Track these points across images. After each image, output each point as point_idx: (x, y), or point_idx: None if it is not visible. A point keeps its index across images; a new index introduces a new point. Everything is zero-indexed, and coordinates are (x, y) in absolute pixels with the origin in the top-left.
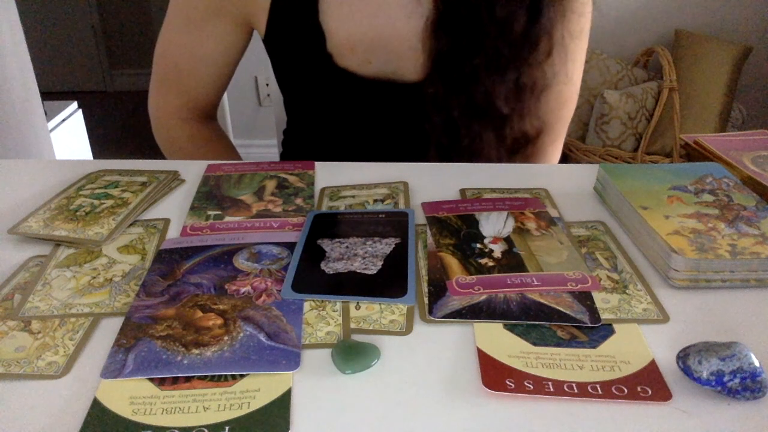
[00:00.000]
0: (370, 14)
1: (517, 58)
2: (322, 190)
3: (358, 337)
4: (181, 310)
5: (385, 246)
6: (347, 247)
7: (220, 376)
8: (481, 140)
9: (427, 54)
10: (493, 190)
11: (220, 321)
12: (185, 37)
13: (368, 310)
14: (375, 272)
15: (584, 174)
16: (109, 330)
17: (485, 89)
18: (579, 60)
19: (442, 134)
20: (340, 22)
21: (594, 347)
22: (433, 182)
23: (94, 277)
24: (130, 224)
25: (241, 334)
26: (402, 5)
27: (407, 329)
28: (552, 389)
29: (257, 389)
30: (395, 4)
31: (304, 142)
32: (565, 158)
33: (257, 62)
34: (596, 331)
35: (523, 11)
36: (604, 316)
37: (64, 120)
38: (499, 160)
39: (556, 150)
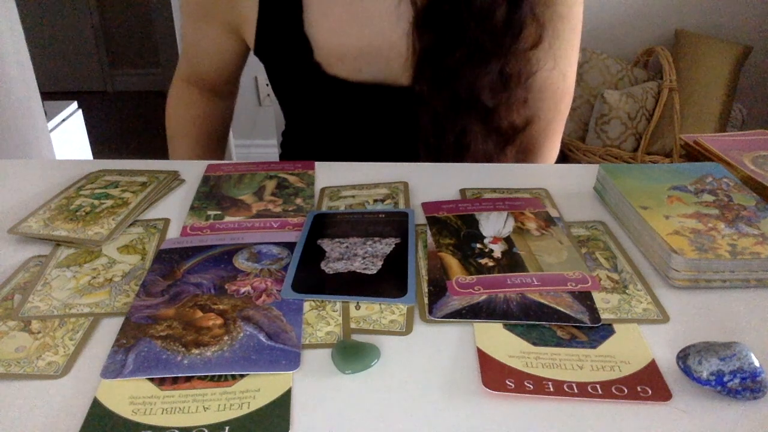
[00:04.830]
0: (355, 25)
1: (499, 47)
2: (322, 190)
3: (358, 337)
4: (181, 310)
5: (385, 246)
6: (347, 247)
7: (220, 376)
8: (468, 134)
9: (413, 54)
10: (493, 190)
11: (220, 321)
12: (187, 29)
13: (368, 310)
14: (375, 272)
15: (584, 174)
16: (109, 330)
17: (468, 82)
18: (571, 43)
19: (429, 131)
20: (327, 33)
21: (594, 347)
22: (433, 182)
23: (94, 277)
24: (130, 224)
25: (241, 334)
26: (386, 13)
27: (407, 329)
28: (552, 389)
29: (257, 389)
30: (379, 12)
31: (302, 144)
32: (565, 158)
33: (257, 62)
34: (596, 331)
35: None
36: (604, 316)
37: (64, 120)
38: (489, 155)
39: (553, 149)
